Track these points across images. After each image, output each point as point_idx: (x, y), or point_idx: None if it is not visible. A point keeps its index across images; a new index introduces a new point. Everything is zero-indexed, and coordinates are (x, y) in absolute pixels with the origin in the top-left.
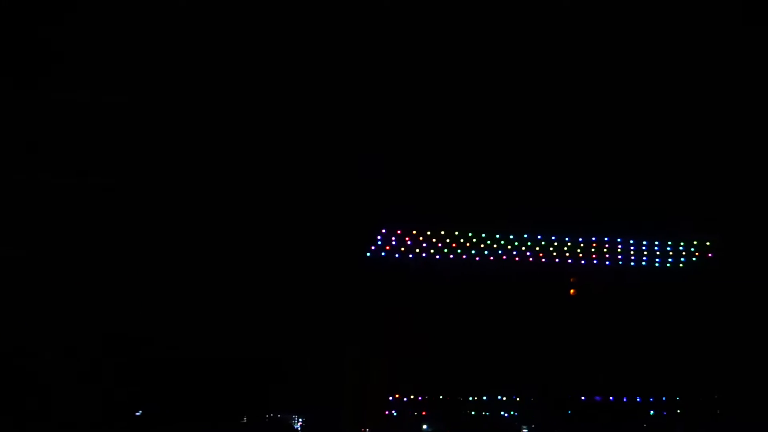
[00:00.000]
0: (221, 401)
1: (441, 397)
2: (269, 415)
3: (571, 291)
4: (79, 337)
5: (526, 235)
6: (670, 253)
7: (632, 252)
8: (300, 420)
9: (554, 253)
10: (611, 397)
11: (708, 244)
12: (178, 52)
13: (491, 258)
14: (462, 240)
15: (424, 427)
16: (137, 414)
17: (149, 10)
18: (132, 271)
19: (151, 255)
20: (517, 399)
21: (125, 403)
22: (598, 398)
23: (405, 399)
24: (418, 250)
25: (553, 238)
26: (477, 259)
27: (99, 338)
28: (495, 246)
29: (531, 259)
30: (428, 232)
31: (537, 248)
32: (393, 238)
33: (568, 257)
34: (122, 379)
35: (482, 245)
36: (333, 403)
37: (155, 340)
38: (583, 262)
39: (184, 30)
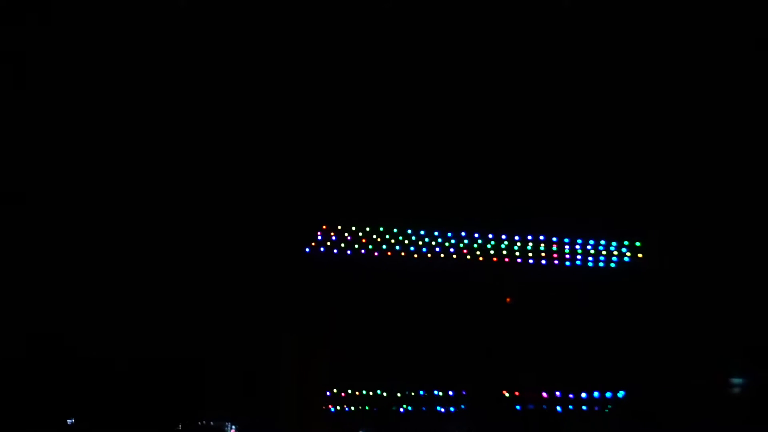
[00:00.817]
0: (151, 409)
1: (378, 392)
2: (201, 422)
3: (507, 299)
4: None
5: (463, 233)
6: (602, 253)
7: (566, 251)
8: (233, 427)
9: (491, 252)
10: (544, 394)
11: (638, 245)
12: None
13: (429, 256)
14: (401, 237)
15: None
16: (69, 422)
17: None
18: (62, 271)
19: (85, 253)
20: (452, 395)
21: (52, 411)
22: (531, 395)
23: (342, 394)
24: (357, 246)
25: (491, 236)
26: (415, 256)
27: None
28: (433, 244)
29: (468, 257)
30: (367, 229)
31: (474, 246)
32: (332, 235)
33: (506, 256)
34: (47, 385)
35: (420, 242)
36: (268, 407)
37: (81, 343)
38: (519, 261)
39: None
